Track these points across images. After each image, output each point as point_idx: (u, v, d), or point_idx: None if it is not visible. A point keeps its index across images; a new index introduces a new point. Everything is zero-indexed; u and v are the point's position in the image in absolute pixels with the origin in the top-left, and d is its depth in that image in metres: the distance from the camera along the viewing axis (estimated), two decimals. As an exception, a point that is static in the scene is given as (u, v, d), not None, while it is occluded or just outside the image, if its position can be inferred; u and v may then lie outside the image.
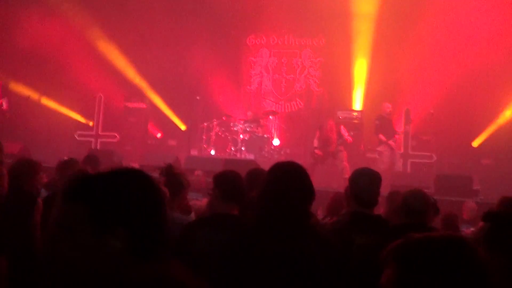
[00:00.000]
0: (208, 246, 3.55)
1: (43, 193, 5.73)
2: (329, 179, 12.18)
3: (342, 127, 12.53)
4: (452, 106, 13.49)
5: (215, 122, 14.38)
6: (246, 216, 3.82)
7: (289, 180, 3.03)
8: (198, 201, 8.28)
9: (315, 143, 12.66)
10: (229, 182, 3.91)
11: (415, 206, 3.97)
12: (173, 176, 4.76)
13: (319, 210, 7.78)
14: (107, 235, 1.71)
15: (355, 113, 14.40)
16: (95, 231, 1.71)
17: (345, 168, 11.83)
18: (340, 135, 12.33)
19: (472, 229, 6.76)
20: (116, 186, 1.77)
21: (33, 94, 15.69)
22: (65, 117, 16.26)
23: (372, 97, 15.02)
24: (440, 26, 14.10)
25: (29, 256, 4.48)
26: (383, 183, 4.15)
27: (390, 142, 12.89)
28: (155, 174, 5.54)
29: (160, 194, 1.87)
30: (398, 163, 13.11)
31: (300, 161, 12.36)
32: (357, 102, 15.36)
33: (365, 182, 4.03)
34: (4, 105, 14.06)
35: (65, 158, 6.61)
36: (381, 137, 13.00)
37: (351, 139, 12.35)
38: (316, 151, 12.45)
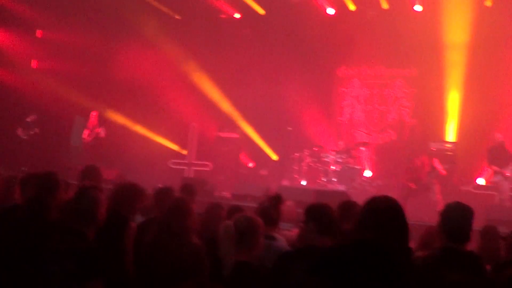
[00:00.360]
0: (305, 278, 3.61)
1: (139, 218, 5.81)
2: (422, 212, 11.90)
3: (435, 159, 12.27)
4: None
5: (306, 153, 14.47)
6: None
7: (386, 214, 3.06)
8: (289, 231, 8.37)
9: (408, 175, 12.48)
10: (325, 215, 3.99)
11: None
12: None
13: (412, 243, 7.66)
14: None
15: (448, 145, 14.07)
16: None
17: (438, 201, 11.63)
18: (433, 168, 12.06)
19: None
20: None
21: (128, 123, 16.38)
22: (159, 146, 16.80)
23: (466, 129, 14.69)
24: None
25: (121, 281, 4.51)
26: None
27: (504, 171, 12.30)
28: (247, 203, 5.73)
29: None
30: None
31: (392, 193, 12.35)
32: (451, 134, 14.99)
33: (456, 217, 3.99)
34: (102, 134, 14.72)
35: (160, 185, 6.76)
36: (494, 168, 12.55)
37: (445, 172, 12.07)
38: (410, 183, 12.25)
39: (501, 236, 5.52)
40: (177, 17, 17.66)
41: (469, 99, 14.75)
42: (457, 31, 14.70)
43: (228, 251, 4.11)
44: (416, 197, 12.33)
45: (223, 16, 17.26)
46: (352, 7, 16.02)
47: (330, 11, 16.29)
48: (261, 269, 4.15)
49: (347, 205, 4.70)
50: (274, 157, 16.59)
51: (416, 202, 12.31)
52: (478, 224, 6.69)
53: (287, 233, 7.71)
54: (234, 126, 16.54)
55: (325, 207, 4.09)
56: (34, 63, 17.30)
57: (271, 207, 5.16)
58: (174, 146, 17.11)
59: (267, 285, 3.98)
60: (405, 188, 12.32)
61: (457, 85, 14.96)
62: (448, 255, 3.90)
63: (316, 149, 14.53)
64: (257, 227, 4.30)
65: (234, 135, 16.26)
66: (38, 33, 17.21)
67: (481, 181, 13.67)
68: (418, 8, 15.25)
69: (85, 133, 14.91)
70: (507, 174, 12.24)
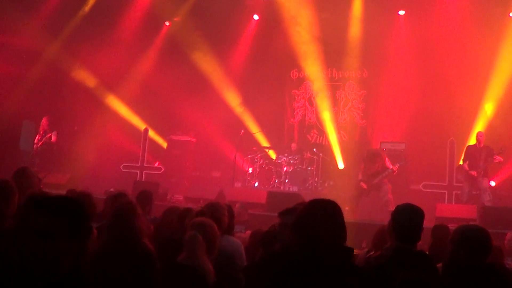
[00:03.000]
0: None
1: (93, 225, 5.79)
2: (374, 212, 12.09)
3: (387, 159, 12.47)
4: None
5: (259, 155, 14.48)
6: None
7: (323, 216, 3.10)
8: (243, 233, 8.40)
9: (360, 175, 12.61)
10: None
11: (477, 244, 3.89)
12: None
13: (363, 243, 7.76)
14: None
15: (399, 145, 14.28)
16: None
17: (389, 201, 11.76)
18: (384, 168, 12.27)
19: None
20: None
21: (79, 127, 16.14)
22: (112, 149, 16.55)
23: (416, 129, 14.97)
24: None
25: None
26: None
27: (472, 172, 12.45)
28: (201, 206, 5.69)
29: None
30: (485, 195, 12.27)
31: (344, 193, 12.49)
32: (402, 134, 15.21)
33: (406, 218, 4.06)
34: (53, 138, 14.48)
35: (112, 190, 6.67)
36: (464, 166, 12.74)
37: (395, 171, 12.26)
38: (361, 183, 12.40)
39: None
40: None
41: (419, 99, 15.02)
42: (408, 34, 15.10)
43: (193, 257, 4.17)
44: (368, 197, 12.48)
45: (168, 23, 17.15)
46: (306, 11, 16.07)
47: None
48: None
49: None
50: (227, 159, 16.43)
51: (368, 202, 12.53)
52: (428, 223, 6.89)
53: (241, 235, 7.74)
54: (186, 129, 16.42)
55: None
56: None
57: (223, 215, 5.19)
58: (126, 150, 16.82)
59: None
60: (357, 188, 12.46)
61: (407, 85, 15.25)
62: (399, 255, 3.97)
63: (268, 151, 14.55)
64: (216, 234, 4.41)
65: (187, 138, 16.17)
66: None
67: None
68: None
69: (36, 138, 14.68)
70: (472, 173, 12.43)
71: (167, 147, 16.21)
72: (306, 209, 3.20)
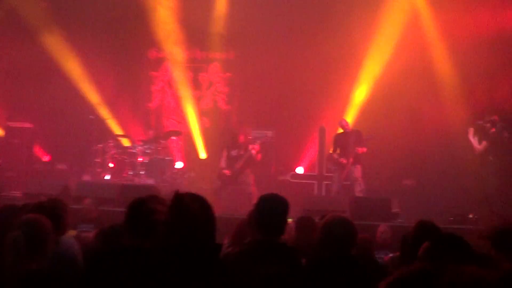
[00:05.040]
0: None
1: None
2: (237, 205, 12.15)
3: (251, 145, 12.65)
4: (371, 124, 13.86)
5: (111, 144, 14.09)
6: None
7: (190, 211, 3.11)
8: (89, 232, 8.02)
9: (222, 163, 12.71)
10: None
11: (340, 236, 4.02)
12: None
13: (225, 239, 7.71)
14: None
15: (266, 133, 14.44)
16: None
17: (253, 193, 11.91)
18: (246, 150, 12.49)
19: (390, 255, 6.85)
20: None
21: None
22: None
23: (284, 116, 15.31)
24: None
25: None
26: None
27: (342, 160, 12.76)
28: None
29: None
30: (356, 185, 12.72)
31: (206, 185, 12.48)
32: (269, 121, 15.41)
33: (270, 209, 4.17)
34: None
35: None
36: (334, 155, 13.06)
37: (259, 157, 12.45)
38: (224, 171, 12.49)
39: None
40: None
41: (288, 84, 15.32)
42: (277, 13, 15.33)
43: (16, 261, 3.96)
44: (231, 189, 12.63)
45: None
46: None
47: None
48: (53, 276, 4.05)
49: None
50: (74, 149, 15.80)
51: (231, 194, 12.63)
52: (295, 215, 6.95)
53: (86, 235, 7.38)
54: (26, 115, 15.56)
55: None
56: None
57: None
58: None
59: None
60: (220, 178, 12.56)
61: (276, 68, 15.43)
62: (261, 248, 4.07)
63: (122, 139, 14.21)
64: (47, 232, 4.17)
65: (28, 125, 15.33)
66: None
67: (300, 170, 14.29)
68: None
69: None
70: (342, 161, 12.78)
71: (4, 135, 15.26)
72: (175, 203, 3.17)
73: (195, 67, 16.71)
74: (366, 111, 14.49)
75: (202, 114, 16.35)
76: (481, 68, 13.49)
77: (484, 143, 11.82)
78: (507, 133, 11.87)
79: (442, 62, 14.45)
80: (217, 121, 16.30)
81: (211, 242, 3.13)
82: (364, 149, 12.68)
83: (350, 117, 14.31)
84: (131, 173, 13.53)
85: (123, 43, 16.15)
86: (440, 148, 14.09)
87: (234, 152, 12.65)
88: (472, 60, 13.32)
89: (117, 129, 15.44)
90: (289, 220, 9.39)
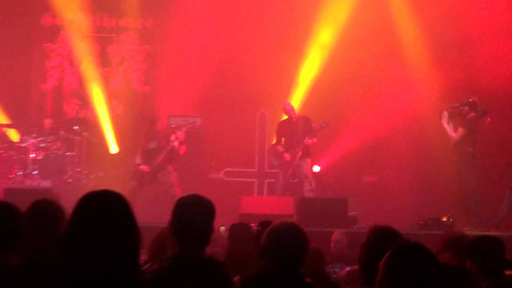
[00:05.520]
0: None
1: None
2: (157, 211, 12.12)
3: (174, 135, 12.65)
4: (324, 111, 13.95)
5: (-5, 136, 13.91)
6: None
7: (104, 217, 2.99)
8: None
9: (138, 158, 12.76)
10: None
11: (288, 247, 4.03)
12: None
13: (143, 254, 7.63)
14: None
15: (193, 120, 14.34)
16: None
17: (176, 194, 11.75)
18: (168, 142, 12.54)
19: (348, 268, 6.90)
20: None
21: None
22: None
23: (217, 99, 15.34)
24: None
25: None
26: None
27: (286, 155, 12.89)
28: None
29: None
30: (305, 184, 12.85)
31: (119, 186, 12.39)
32: (197, 105, 15.39)
33: (191, 215, 4.14)
34: None
35: None
36: (278, 148, 13.13)
37: (183, 148, 12.48)
38: (141, 167, 12.52)
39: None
40: None
41: (221, 60, 15.26)
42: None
43: None
44: (151, 189, 12.73)
45: None
46: None
47: None
48: None
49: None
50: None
51: (151, 197, 12.72)
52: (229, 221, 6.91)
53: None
54: None
55: None
56: None
57: None
58: None
59: None
60: (136, 176, 12.61)
61: (205, 40, 15.42)
62: (182, 263, 4.04)
63: (4, 130, 13.99)
64: None
65: None
66: None
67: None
68: None
69: None
70: (286, 156, 12.87)
71: None
72: (84, 207, 3.05)
73: (103, 38, 16.60)
74: (316, 92, 14.67)
75: (112, 97, 16.22)
76: (455, 35, 13.70)
77: (460, 130, 11.90)
78: (489, 117, 12.03)
79: (408, 29, 14.64)
80: (132, 105, 16.29)
81: (128, 262, 3.01)
82: (315, 140, 12.81)
83: (296, 101, 14.37)
84: (21, 173, 13.35)
85: (8, 7, 15.85)
86: (407, 137, 14.34)
87: (152, 144, 12.71)
88: (445, 25, 13.53)
89: (2, 118, 15.18)
90: (221, 228, 9.46)
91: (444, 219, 11.50)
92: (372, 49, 14.28)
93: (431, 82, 14.14)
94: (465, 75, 13.57)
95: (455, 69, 13.75)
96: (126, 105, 16.27)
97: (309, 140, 12.64)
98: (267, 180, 13.96)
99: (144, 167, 12.52)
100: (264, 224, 5.13)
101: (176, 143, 12.50)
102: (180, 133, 12.57)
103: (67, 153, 13.81)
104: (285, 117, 13.37)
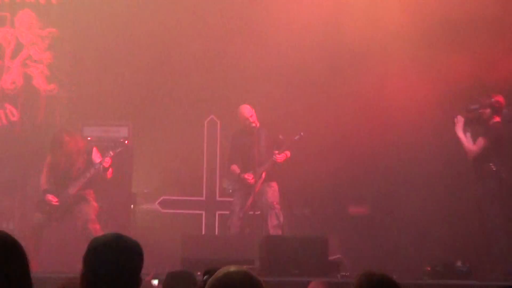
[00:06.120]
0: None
1: None
2: (68, 255, 11.91)
3: (95, 149, 12.80)
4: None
5: None
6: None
7: None
8: None
9: (44, 183, 12.78)
10: None
11: None
12: None
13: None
14: None
15: (118, 129, 14.20)
16: None
17: (95, 232, 11.99)
18: (90, 162, 12.60)
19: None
20: None
21: None
22: None
23: (152, 103, 15.39)
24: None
25: None
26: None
27: (247, 175, 12.96)
28: None
29: None
30: (271, 216, 12.92)
31: (15, 221, 12.19)
32: (124, 111, 15.36)
33: (107, 263, 4.03)
34: None
35: None
36: (234, 168, 13.28)
37: (110, 172, 12.62)
38: (47, 196, 12.51)
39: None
40: None
41: (156, 52, 15.30)
42: None
43: None
44: (57, 225, 12.76)
45: None
46: None
47: None
48: None
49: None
50: None
51: (57, 237, 12.80)
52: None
53: None
54: None
55: None
56: None
57: None
58: None
59: None
60: (43, 206, 12.50)
61: (138, 23, 15.26)
62: None
63: None
64: None
65: None
66: None
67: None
68: None
69: None
70: (249, 178, 12.92)
71: None
72: None
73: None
74: (285, 91, 14.53)
75: (4, 99, 16.00)
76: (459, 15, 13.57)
77: (481, 141, 11.79)
78: None
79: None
80: (32, 110, 15.96)
81: None
82: (286, 155, 12.83)
83: (257, 103, 14.15)
84: None
85: None
86: (408, 152, 14.22)
87: (63, 164, 12.65)
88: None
89: None
90: (154, 281, 9.25)
91: (459, 264, 11.35)
92: (357, 31, 14.20)
93: (431, 77, 14.05)
94: (486, 67, 13.39)
95: (472, 59, 13.60)
96: (23, 110, 16.01)
97: (279, 156, 12.53)
98: (218, 212, 13.96)
99: (52, 198, 12.42)
100: (213, 273, 4.90)
101: (100, 168, 12.56)
102: (107, 159, 12.53)
103: None
104: (243, 125, 13.27)
